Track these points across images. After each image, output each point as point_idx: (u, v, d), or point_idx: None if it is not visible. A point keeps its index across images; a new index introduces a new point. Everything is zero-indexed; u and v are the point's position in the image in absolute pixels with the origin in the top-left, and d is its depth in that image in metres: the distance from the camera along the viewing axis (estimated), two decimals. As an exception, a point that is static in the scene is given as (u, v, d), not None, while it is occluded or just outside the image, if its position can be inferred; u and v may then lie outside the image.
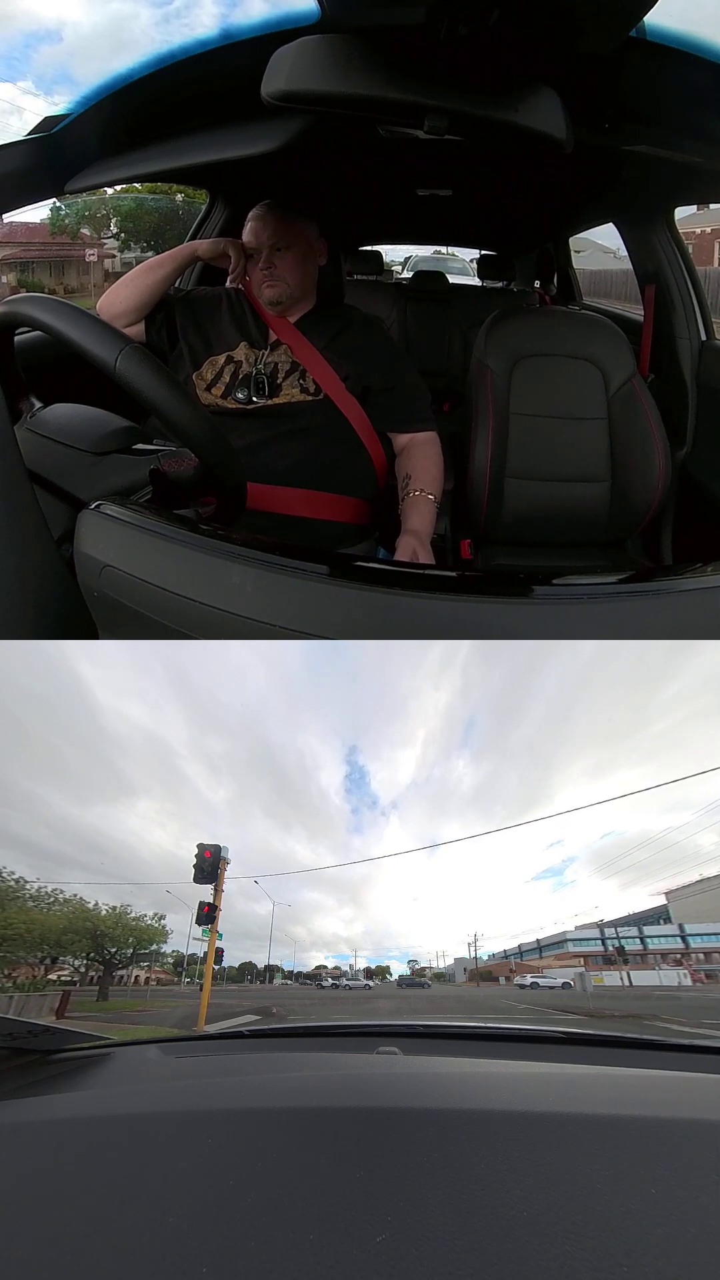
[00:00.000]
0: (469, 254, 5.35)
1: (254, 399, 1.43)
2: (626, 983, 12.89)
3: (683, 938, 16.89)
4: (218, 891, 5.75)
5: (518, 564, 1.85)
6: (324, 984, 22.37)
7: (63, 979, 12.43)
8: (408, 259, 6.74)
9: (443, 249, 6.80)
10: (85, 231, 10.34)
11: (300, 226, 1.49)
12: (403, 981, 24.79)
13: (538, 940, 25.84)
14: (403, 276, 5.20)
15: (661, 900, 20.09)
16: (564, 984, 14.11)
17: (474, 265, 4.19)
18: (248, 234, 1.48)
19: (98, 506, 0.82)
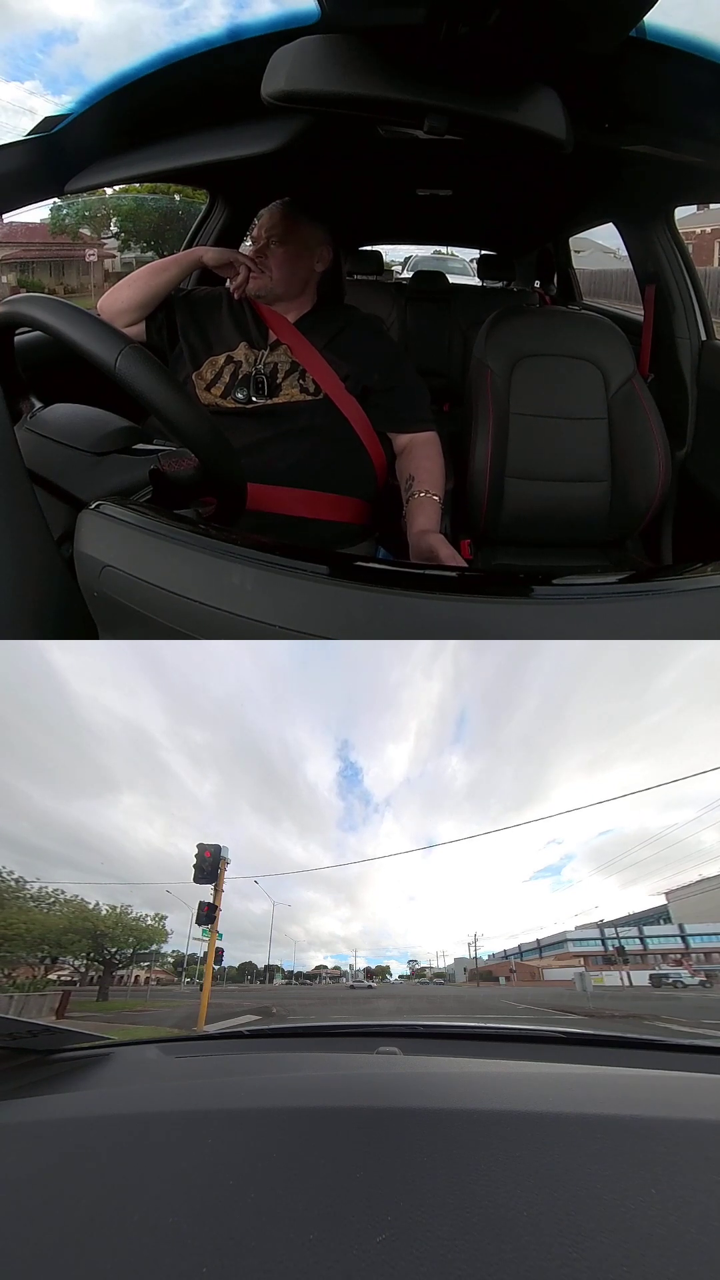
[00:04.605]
0: (469, 254, 5.35)
1: (253, 399, 1.43)
2: (627, 983, 12.89)
3: (683, 938, 16.91)
4: (218, 891, 5.75)
5: (518, 564, 1.84)
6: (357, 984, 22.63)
7: (63, 979, 12.44)
8: (408, 259, 6.73)
9: (443, 249, 6.80)
10: (85, 231, 10.34)
11: (303, 227, 1.49)
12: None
13: (538, 940, 25.88)
14: (403, 276, 5.19)
15: (661, 900, 20.13)
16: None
17: (474, 265, 4.19)
18: (255, 226, 1.50)
19: (98, 506, 0.82)
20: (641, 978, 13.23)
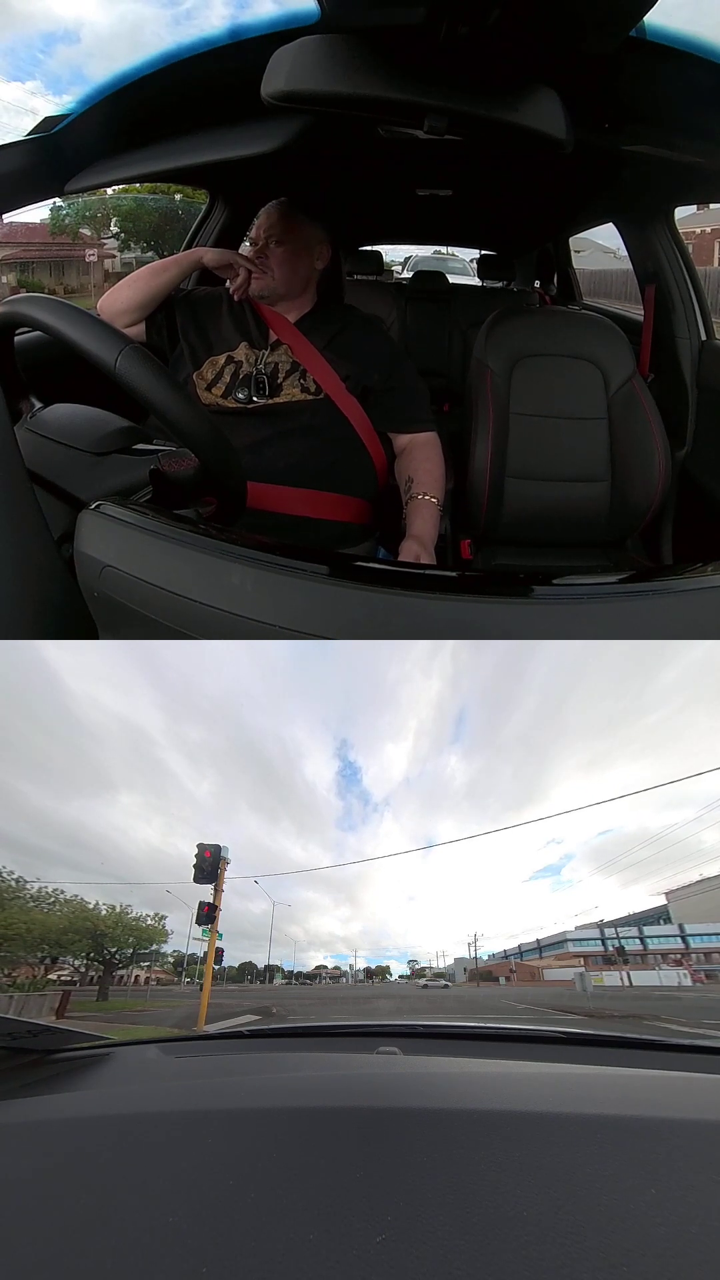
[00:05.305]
0: (469, 254, 5.35)
1: (254, 399, 1.43)
2: (626, 982, 12.89)
3: (683, 938, 16.91)
4: (218, 891, 5.75)
5: (518, 564, 1.84)
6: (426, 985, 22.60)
7: (63, 979, 12.44)
8: (408, 259, 6.74)
9: (443, 249, 6.80)
10: (85, 231, 10.34)
11: (302, 226, 1.49)
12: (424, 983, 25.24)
13: (538, 940, 25.89)
14: (403, 276, 5.20)
15: (661, 900, 20.14)
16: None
17: (474, 265, 4.19)
18: (254, 228, 1.49)
19: (98, 506, 0.82)
20: (641, 978, 13.19)
